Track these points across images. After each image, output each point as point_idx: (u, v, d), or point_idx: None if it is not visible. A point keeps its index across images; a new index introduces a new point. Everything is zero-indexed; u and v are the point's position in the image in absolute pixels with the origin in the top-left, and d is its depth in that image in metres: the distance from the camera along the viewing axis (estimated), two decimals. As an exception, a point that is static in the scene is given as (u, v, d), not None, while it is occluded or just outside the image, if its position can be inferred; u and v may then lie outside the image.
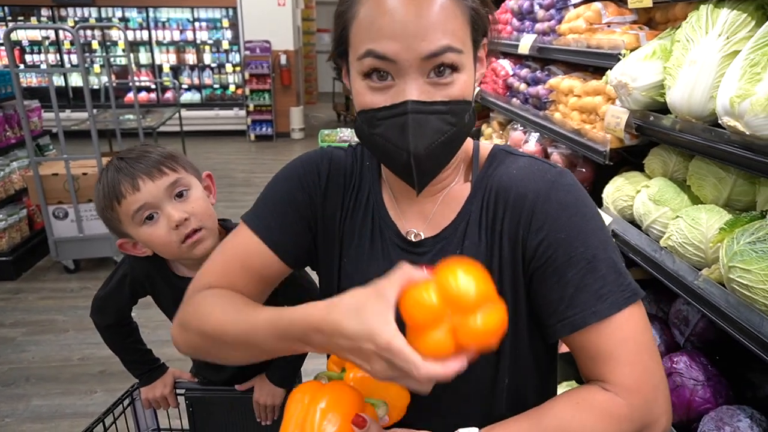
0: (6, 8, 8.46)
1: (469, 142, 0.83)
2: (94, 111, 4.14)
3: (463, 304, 0.59)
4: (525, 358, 0.78)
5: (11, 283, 3.97)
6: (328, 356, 0.86)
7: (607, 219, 1.51)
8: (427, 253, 0.79)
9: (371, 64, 0.67)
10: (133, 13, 8.80)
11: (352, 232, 0.84)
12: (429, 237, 0.79)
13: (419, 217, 0.81)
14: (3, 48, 8.57)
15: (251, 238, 0.82)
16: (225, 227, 1.29)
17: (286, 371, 1.30)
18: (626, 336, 0.68)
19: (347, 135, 4.20)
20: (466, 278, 0.60)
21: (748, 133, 0.98)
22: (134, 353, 1.39)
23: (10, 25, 8.35)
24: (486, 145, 0.84)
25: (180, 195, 1.13)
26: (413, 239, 0.80)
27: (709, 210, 1.18)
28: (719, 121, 1.06)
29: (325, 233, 0.85)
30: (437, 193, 0.81)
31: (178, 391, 1.39)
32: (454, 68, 0.67)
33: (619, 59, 1.42)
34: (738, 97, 0.99)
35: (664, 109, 1.30)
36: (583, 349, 0.71)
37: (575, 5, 1.87)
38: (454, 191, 0.81)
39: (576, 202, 0.72)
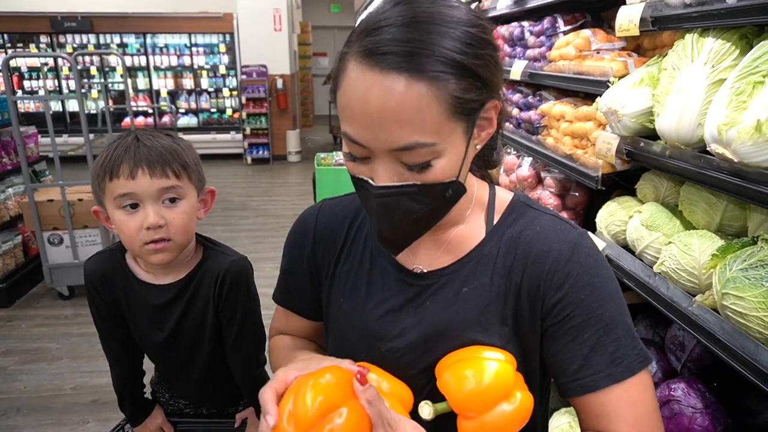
0: (5, 35, 8.56)
1: (484, 187, 0.83)
2: (91, 136, 4.16)
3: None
4: (534, 397, 0.77)
5: (4, 311, 3.93)
6: None
7: (600, 244, 1.51)
8: (432, 285, 0.78)
9: (348, 142, 0.67)
10: (131, 39, 8.91)
11: (349, 272, 0.85)
12: (434, 270, 0.79)
13: (424, 253, 0.81)
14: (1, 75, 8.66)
15: (281, 309, 0.97)
16: (204, 245, 1.27)
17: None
18: (634, 399, 0.70)
19: (342, 158, 4.21)
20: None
21: (736, 160, 0.99)
22: (133, 399, 1.36)
23: (9, 52, 8.44)
24: (504, 195, 0.83)
25: (170, 200, 1.11)
26: (415, 272, 0.80)
27: (702, 236, 1.18)
28: (708, 148, 1.07)
29: (323, 279, 0.88)
30: (445, 232, 0.80)
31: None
32: (427, 162, 0.64)
33: (608, 86, 1.43)
34: (725, 125, 1.00)
35: (654, 134, 1.31)
36: (589, 406, 0.72)
37: (565, 32, 1.90)
38: (465, 233, 0.80)
39: (596, 265, 0.73)
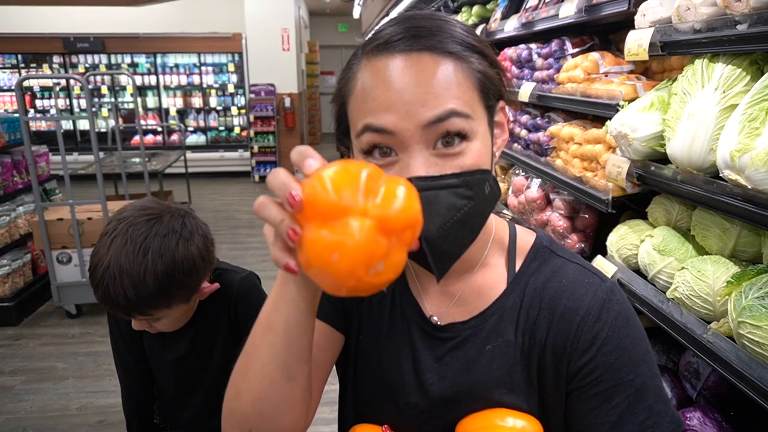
0: (19, 56, 8.73)
1: (503, 226, 0.78)
2: (101, 154, 4.20)
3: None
4: None
5: (12, 329, 3.94)
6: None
7: (612, 268, 1.49)
8: (452, 339, 0.73)
9: (370, 140, 0.61)
10: (141, 59, 9.05)
11: (371, 305, 0.80)
12: (456, 322, 0.74)
13: (443, 297, 0.76)
14: (13, 94, 8.81)
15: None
16: (218, 274, 1.27)
17: None
18: None
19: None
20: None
21: (749, 186, 0.98)
22: (142, 423, 1.37)
23: (23, 73, 8.60)
24: (525, 236, 0.78)
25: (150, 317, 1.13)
26: (436, 322, 0.74)
27: (715, 261, 1.16)
28: (720, 174, 1.06)
29: (348, 306, 0.81)
30: (464, 273, 0.75)
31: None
32: (463, 136, 0.60)
33: (617, 109, 1.43)
34: (738, 152, 0.99)
35: (664, 158, 1.30)
36: None
37: (573, 55, 1.91)
38: (486, 277, 0.74)
39: (626, 325, 0.68)
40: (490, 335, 0.72)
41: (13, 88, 8.78)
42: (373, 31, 0.68)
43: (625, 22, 1.47)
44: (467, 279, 0.75)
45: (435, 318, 0.75)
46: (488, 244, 0.75)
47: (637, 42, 1.34)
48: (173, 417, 1.38)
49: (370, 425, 0.74)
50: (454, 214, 0.60)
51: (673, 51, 1.27)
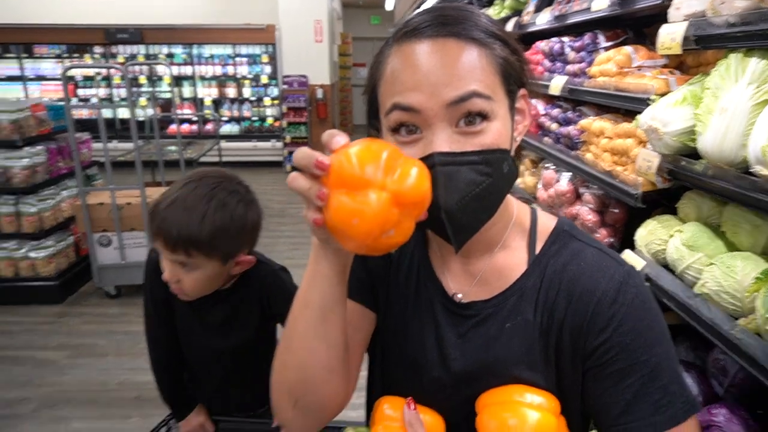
0: (64, 46, 9.04)
1: (525, 210, 0.81)
2: (140, 142, 4.35)
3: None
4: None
5: (57, 307, 4.14)
6: (367, 414, 0.88)
7: (640, 263, 1.49)
8: (474, 316, 0.77)
9: (397, 118, 0.66)
10: (178, 50, 9.25)
11: (397, 284, 0.84)
12: (478, 301, 0.77)
13: (466, 276, 0.79)
14: (57, 83, 9.14)
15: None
16: (257, 260, 1.35)
17: None
18: None
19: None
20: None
21: (781, 182, 0.98)
22: (174, 387, 1.45)
23: (67, 62, 8.91)
24: (546, 220, 0.81)
25: (183, 265, 1.21)
26: (460, 300, 0.78)
27: (746, 258, 1.16)
28: (751, 169, 1.06)
29: (376, 285, 0.85)
30: (485, 253, 0.78)
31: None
32: (484, 116, 0.65)
33: (648, 103, 1.43)
34: (770, 147, 0.99)
35: (695, 153, 1.29)
36: None
37: (606, 48, 1.89)
38: (507, 259, 0.78)
39: (642, 307, 0.70)
40: (510, 314, 0.75)
41: (58, 77, 9.11)
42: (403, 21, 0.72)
43: (660, 16, 1.46)
44: (488, 259, 0.78)
45: (459, 296, 0.79)
46: (509, 227, 0.78)
47: (670, 36, 1.33)
48: (199, 386, 1.47)
49: (395, 397, 0.78)
50: (473, 189, 0.65)
51: (707, 45, 1.26)
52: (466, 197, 0.64)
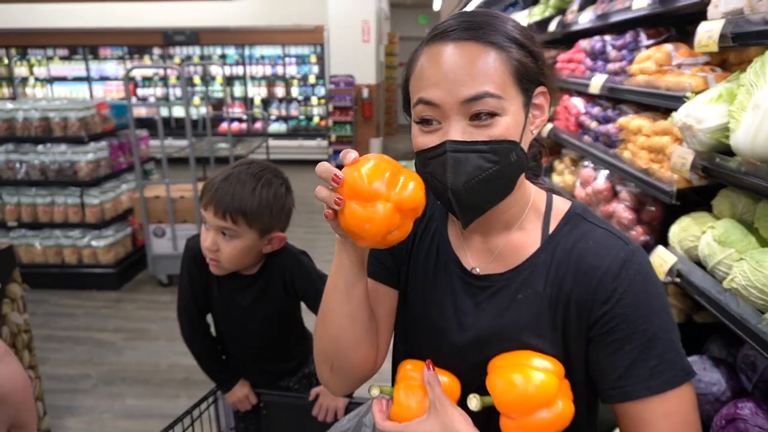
0: (125, 48, 9.56)
1: (542, 195, 0.88)
2: (193, 140, 4.59)
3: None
4: (578, 399, 0.81)
5: (114, 293, 4.42)
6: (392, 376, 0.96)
7: (672, 258, 1.50)
8: (489, 288, 0.85)
9: (421, 110, 0.75)
10: (230, 51, 9.61)
11: (417, 261, 0.92)
12: (493, 274, 0.85)
13: (484, 253, 0.87)
14: (119, 83, 9.68)
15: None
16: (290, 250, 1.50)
17: None
18: (671, 411, 0.74)
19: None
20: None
21: (809, 178, 0.99)
22: (216, 362, 1.57)
23: (128, 63, 9.41)
24: (561, 204, 0.88)
25: (226, 234, 1.34)
26: (477, 273, 0.86)
27: (775, 254, 1.16)
28: (781, 166, 1.07)
29: (398, 263, 0.95)
30: (503, 233, 0.86)
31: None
32: (493, 113, 0.72)
33: (684, 101, 1.43)
34: (799, 143, 1.00)
35: (731, 150, 1.30)
36: (628, 414, 0.76)
37: (647, 46, 1.89)
38: (521, 238, 0.85)
39: (644, 281, 0.76)
40: (522, 286, 0.82)
41: (120, 77, 9.64)
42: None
43: (703, 14, 1.46)
44: (505, 238, 0.86)
45: (477, 269, 0.87)
46: (525, 210, 0.86)
47: (708, 33, 1.34)
48: (237, 361, 1.60)
49: (416, 360, 0.87)
50: (479, 174, 0.74)
51: (744, 42, 1.26)
52: (471, 180, 0.74)
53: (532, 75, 0.77)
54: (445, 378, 0.83)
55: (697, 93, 1.43)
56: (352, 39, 8.77)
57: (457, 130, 0.73)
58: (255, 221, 1.34)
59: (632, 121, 1.85)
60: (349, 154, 0.74)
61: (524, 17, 3.55)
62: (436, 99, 0.73)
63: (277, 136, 9.55)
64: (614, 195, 2.01)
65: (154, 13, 9.19)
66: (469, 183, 0.74)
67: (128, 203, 4.74)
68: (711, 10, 1.39)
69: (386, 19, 11.51)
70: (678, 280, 1.47)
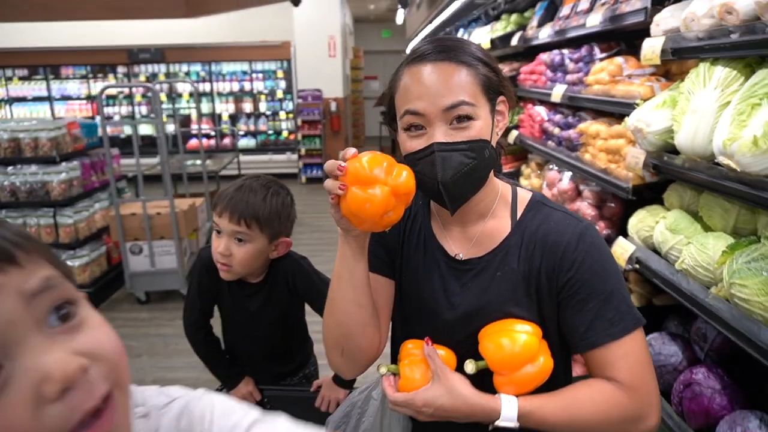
0: (89, 66, 9.45)
1: (507, 187, 1.04)
2: (166, 157, 4.63)
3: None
4: (555, 354, 0.96)
5: (91, 312, 4.37)
6: (392, 357, 1.09)
7: (631, 248, 1.69)
8: (471, 270, 1.00)
9: (408, 120, 0.90)
10: (197, 67, 9.60)
11: (409, 253, 1.07)
12: (474, 258, 1.00)
13: (463, 240, 1.02)
14: (82, 102, 9.55)
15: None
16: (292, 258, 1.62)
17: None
18: (628, 352, 0.90)
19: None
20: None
21: (738, 169, 1.17)
22: (220, 362, 1.67)
23: (91, 82, 9.30)
24: (524, 193, 1.04)
25: (238, 239, 1.45)
26: (461, 258, 1.01)
27: (716, 236, 1.35)
28: (716, 160, 1.25)
29: (392, 257, 1.08)
30: (478, 222, 1.00)
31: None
32: (469, 117, 0.89)
33: (635, 107, 1.63)
34: (729, 140, 1.19)
35: (676, 150, 1.49)
36: (595, 359, 0.92)
37: (600, 59, 2.10)
38: (494, 225, 1.00)
39: (598, 251, 0.94)
40: (499, 265, 0.98)
41: (82, 96, 9.51)
42: (412, 47, 0.98)
43: (647, 29, 1.66)
44: (481, 226, 1.01)
45: (460, 255, 1.01)
46: (496, 200, 1.02)
47: (651, 48, 1.54)
48: (245, 363, 1.69)
49: (415, 339, 1.00)
50: (462, 168, 0.89)
51: (681, 56, 1.46)
52: (457, 174, 0.89)
53: (495, 86, 0.94)
54: (442, 351, 0.97)
55: (645, 100, 1.62)
56: (319, 54, 8.92)
57: (441, 134, 0.88)
58: (266, 226, 1.45)
59: (591, 126, 2.04)
60: (350, 150, 0.87)
61: (486, 32, 3.77)
62: (421, 109, 0.89)
63: (246, 151, 9.57)
64: (578, 194, 2.20)
65: (118, 31, 9.12)
66: (455, 176, 0.89)
67: (102, 222, 4.72)
68: (653, 28, 1.59)
69: (350, 34, 11.72)
70: (637, 266, 1.65)
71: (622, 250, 1.72)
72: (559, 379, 0.97)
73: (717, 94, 1.31)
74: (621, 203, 2.00)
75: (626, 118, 1.63)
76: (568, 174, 2.25)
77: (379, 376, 1.03)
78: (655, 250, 1.62)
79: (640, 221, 1.68)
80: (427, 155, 0.89)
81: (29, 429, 0.41)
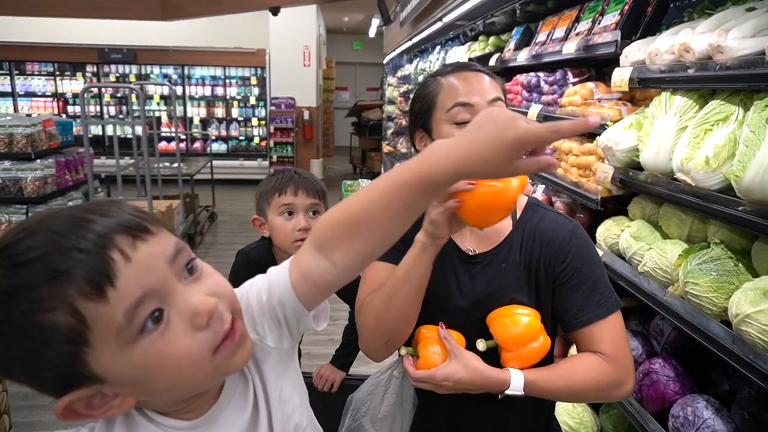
0: (56, 64, 9.25)
1: None
2: (128, 159, 4.65)
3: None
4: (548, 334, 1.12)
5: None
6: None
7: (599, 253, 1.88)
8: (480, 262, 1.15)
9: (458, 111, 1.08)
10: (169, 70, 9.55)
11: None
12: (482, 253, 1.16)
13: (473, 237, 1.18)
14: (46, 99, 9.34)
15: (375, 268, 1.17)
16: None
17: (344, 360, 1.72)
18: (611, 329, 1.08)
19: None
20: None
21: (693, 184, 1.38)
22: None
23: (58, 80, 9.10)
24: (522, 198, 1.20)
25: (313, 213, 1.56)
26: (470, 254, 1.17)
27: (674, 243, 1.55)
28: (675, 176, 1.46)
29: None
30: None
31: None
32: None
33: (605, 128, 1.83)
34: (686, 159, 1.39)
35: (640, 166, 1.69)
36: (584, 336, 1.09)
37: (573, 83, 2.31)
38: (499, 224, 1.08)
39: (586, 245, 1.13)
40: (504, 258, 1.14)
41: (48, 94, 9.30)
42: (442, 64, 1.18)
43: (615, 60, 1.87)
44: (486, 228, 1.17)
45: (473, 250, 1.17)
46: None
47: (620, 77, 1.75)
48: None
49: (429, 325, 1.13)
50: None
51: (646, 85, 1.67)
52: None
53: (504, 93, 1.15)
54: (454, 335, 1.11)
55: (614, 122, 1.83)
56: (294, 63, 9.04)
57: None
58: (325, 197, 1.61)
59: (564, 143, 2.25)
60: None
61: (465, 52, 3.99)
62: (473, 101, 1.08)
63: (218, 156, 9.55)
64: (551, 205, 2.40)
65: (87, 29, 8.99)
66: None
67: (75, 221, 4.67)
68: (622, 59, 1.80)
69: (323, 44, 11.87)
70: (605, 269, 1.84)
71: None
72: (548, 356, 1.14)
73: (676, 120, 1.51)
74: (589, 214, 2.20)
75: (597, 137, 1.83)
76: (541, 186, 2.45)
77: (399, 357, 1.16)
78: (620, 256, 1.81)
79: (607, 230, 1.88)
80: None
81: (192, 347, 0.58)
